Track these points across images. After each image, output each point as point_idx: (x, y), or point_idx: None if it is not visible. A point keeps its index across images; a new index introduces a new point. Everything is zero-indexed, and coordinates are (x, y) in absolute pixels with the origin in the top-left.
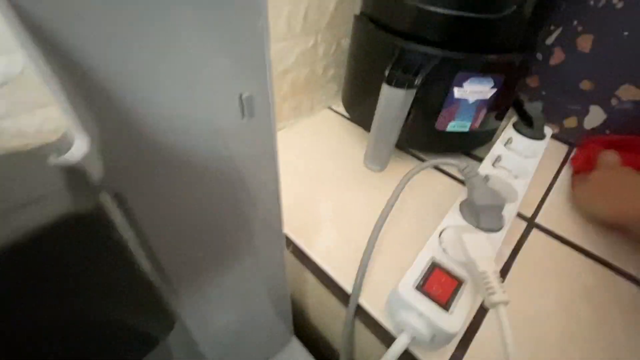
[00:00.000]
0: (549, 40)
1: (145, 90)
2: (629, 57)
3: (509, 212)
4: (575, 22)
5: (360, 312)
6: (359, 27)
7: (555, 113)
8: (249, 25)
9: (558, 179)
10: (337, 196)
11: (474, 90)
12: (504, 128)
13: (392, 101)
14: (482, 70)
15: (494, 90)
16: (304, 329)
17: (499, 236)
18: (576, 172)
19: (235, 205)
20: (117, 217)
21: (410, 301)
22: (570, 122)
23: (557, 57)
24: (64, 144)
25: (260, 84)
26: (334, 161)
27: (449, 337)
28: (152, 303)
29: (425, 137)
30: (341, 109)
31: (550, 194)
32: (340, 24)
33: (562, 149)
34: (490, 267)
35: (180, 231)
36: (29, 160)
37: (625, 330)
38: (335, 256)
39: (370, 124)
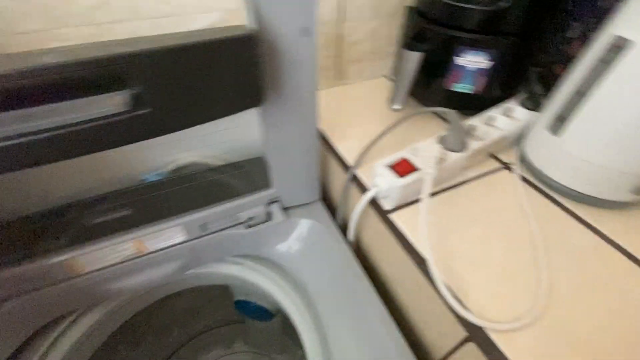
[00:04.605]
0: (569, 34)
1: None
2: None
3: (474, 144)
4: (588, 18)
5: (354, 179)
6: (406, 13)
7: None
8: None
9: None
10: (366, 123)
11: (471, 60)
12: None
13: (406, 60)
14: (476, 46)
15: (491, 62)
16: (326, 198)
17: (459, 155)
18: None
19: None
20: None
21: (379, 171)
22: None
23: (574, 48)
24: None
25: (311, 22)
26: (372, 106)
27: (397, 190)
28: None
29: (439, 94)
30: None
31: None
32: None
33: None
34: (431, 157)
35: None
36: None
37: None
38: (351, 149)
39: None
